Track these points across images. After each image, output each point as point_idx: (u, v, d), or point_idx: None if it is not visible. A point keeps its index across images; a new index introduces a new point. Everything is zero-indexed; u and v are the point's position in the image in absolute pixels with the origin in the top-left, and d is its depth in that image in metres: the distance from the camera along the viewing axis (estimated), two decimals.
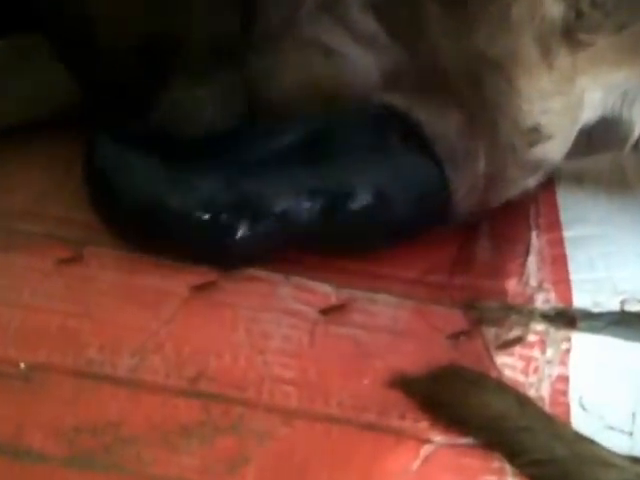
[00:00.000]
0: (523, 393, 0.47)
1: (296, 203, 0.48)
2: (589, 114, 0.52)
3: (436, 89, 0.50)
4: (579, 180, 0.58)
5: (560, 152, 0.52)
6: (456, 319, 0.50)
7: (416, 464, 0.44)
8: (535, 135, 0.50)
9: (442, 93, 0.50)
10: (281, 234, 0.49)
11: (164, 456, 0.43)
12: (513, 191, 0.52)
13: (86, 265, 0.49)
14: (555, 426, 0.46)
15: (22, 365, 0.45)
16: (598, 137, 0.54)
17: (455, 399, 0.47)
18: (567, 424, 0.46)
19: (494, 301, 0.51)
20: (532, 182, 0.53)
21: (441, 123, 0.49)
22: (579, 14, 0.49)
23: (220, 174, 0.47)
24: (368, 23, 0.50)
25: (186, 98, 0.44)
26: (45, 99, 0.51)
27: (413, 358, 0.48)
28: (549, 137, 0.50)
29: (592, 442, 0.45)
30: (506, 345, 0.49)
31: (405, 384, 0.47)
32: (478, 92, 0.50)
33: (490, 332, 0.50)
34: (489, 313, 0.50)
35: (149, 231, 0.49)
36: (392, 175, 0.50)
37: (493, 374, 0.48)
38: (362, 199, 0.49)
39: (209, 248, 0.49)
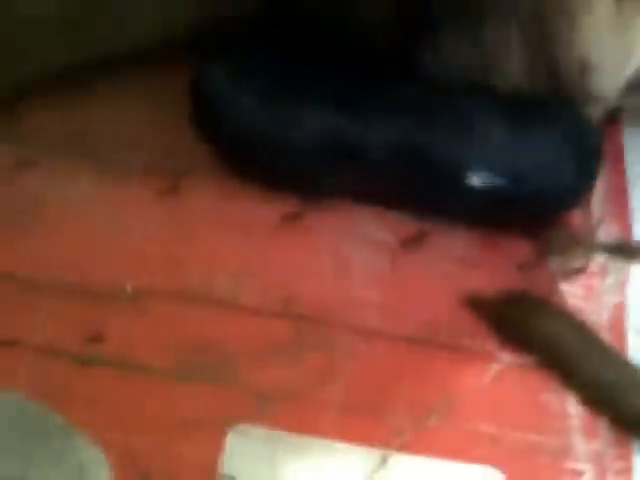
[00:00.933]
0: (582, 321, 0.50)
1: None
2: None
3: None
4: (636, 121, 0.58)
5: (612, 87, 0.52)
6: (524, 249, 0.52)
7: (486, 381, 0.48)
8: (587, 66, 0.50)
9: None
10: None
11: (260, 370, 0.47)
12: None
13: (184, 195, 0.51)
14: (608, 353, 0.49)
15: (128, 288, 0.48)
16: None
17: (520, 321, 0.49)
18: (620, 352, 0.49)
19: (559, 232, 0.53)
20: (595, 114, 0.53)
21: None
22: None
23: (328, 111, 0.49)
24: None
25: (451, 43, 0.47)
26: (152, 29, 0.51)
27: (484, 284, 0.51)
28: (600, 70, 0.51)
29: None
30: (569, 274, 0.52)
31: (476, 305, 0.50)
32: (541, 29, 0.50)
33: (555, 262, 0.52)
34: (555, 244, 0.52)
35: (250, 159, 0.50)
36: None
37: (557, 300, 0.51)
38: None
39: (313, 180, 0.51)
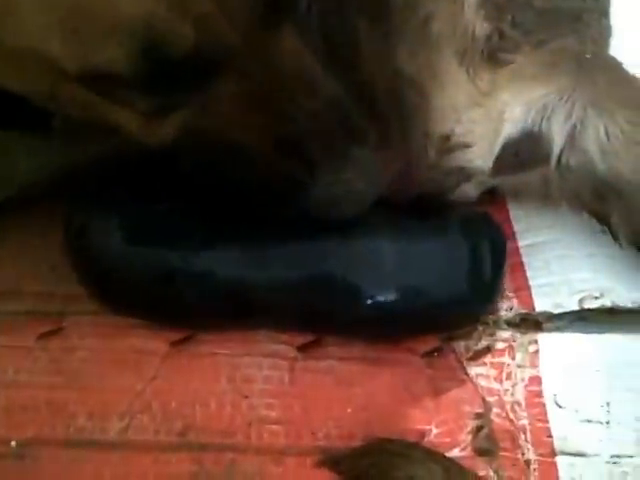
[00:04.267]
0: (451, 460, 0.42)
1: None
2: (511, 127, 0.48)
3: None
4: (516, 196, 0.54)
5: (484, 161, 0.48)
6: (427, 338, 0.46)
7: None
8: (448, 142, 0.47)
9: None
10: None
11: None
12: (448, 195, 0.48)
13: (67, 336, 0.45)
14: None
15: (13, 443, 0.41)
16: (525, 154, 0.50)
17: (382, 473, 0.41)
18: None
19: None
20: (471, 190, 0.49)
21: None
22: (501, 35, 0.46)
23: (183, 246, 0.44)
24: None
25: (333, 184, 0.41)
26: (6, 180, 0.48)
27: (390, 380, 0.45)
28: (467, 145, 0.47)
29: None
30: (477, 356, 0.46)
31: (333, 463, 0.42)
32: (395, 107, 0.46)
33: (460, 346, 0.46)
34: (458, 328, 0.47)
35: (113, 296, 0.45)
36: None
37: (468, 385, 0.45)
38: None
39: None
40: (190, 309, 0.44)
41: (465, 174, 0.49)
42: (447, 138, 0.47)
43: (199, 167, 0.42)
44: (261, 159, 0.40)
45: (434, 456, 0.41)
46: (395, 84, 0.45)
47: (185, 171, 0.43)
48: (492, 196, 0.51)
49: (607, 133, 0.49)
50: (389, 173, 0.46)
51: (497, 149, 0.49)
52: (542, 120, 0.49)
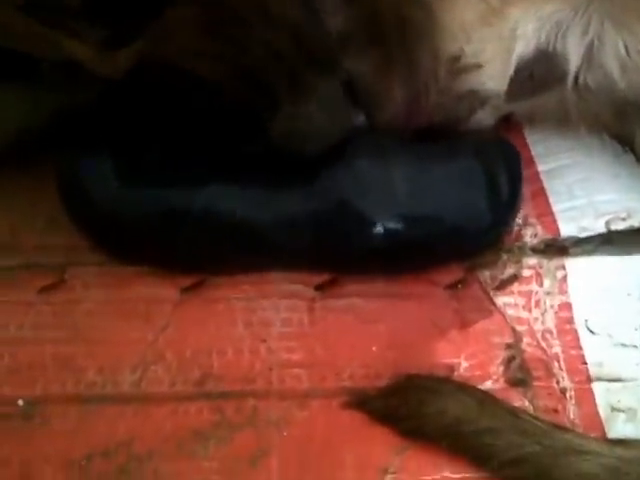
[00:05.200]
0: (484, 392, 0.39)
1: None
2: (523, 46, 0.45)
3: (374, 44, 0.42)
4: (532, 121, 0.51)
5: (497, 83, 0.45)
6: (450, 269, 0.43)
7: None
8: (458, 63, 0.43)
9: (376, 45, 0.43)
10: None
11: (183, 466, 0.37)
12: (463, 123, 0.45)
13: (70, 288, 0.42)
14: (521, 421, 0.37)
15: (20, 402, 0.38)
16: (540, 75, 0.46)
17: (412, 411, 0.38)
18: (535, 416, 0.38)
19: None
20: (487, 118, 0.46)
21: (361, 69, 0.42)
22: None
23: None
24: None
25: (296, 116, 0.38)
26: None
27: (415, 315, 0.42)
28: (478, 66, 0.43)
29: (565, 430, 0.37)
30: (503, 285, 0.43)
31: (360, 403, 0.39)
32: (401, 30, 0.42)
33: (485, 275, 0.43)
34: (481, 257, 0.43)
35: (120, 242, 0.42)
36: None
37: (496, 316, 0.42)
38: None
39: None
40: (193, 248, 0.41)
41: (478, 98, 0.46)
42: (457, 59, 0.43)
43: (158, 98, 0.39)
44: (217, 88, 0.38)
45: (466, 389, 0.38)
46: (400, 3, 0.42)
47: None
48: (508, 122, 0.48)
49: (627, 48, 0.45)
50: (394, 100, 0.43)
51: (510, 70, 0.45)
52: (556, 37, 0.45)
